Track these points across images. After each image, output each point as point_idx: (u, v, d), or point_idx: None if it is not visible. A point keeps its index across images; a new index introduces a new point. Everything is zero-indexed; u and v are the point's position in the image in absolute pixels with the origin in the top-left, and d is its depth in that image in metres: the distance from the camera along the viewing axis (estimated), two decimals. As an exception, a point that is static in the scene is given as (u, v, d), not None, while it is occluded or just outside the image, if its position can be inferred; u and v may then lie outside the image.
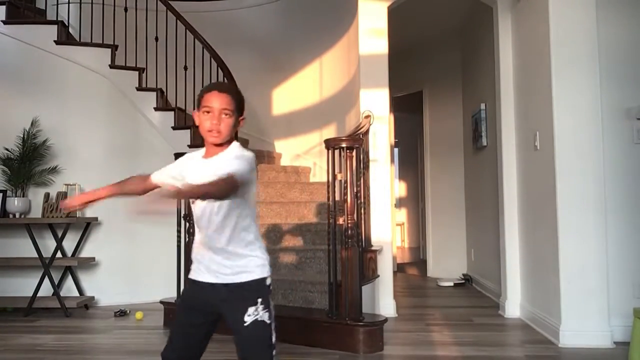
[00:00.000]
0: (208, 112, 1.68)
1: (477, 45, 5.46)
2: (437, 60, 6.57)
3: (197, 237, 1.77)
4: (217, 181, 1.54)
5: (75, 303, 4.34)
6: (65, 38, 5.01)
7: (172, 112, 4.93)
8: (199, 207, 1.70)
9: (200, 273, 1.74)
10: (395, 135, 7.85)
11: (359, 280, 3.21)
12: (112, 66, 4.89)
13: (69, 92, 4.84)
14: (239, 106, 1.73)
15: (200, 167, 1.72)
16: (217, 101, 1.67)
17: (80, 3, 5.29)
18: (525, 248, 3.93)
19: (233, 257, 1.69)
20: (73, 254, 4.66)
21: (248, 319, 1.65)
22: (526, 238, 3.91)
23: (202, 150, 1.78)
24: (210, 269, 1.71)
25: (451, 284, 5.71)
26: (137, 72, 4.93)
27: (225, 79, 4.77)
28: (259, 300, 1.67)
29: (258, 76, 6.04)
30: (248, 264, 1.70)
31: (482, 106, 5.12)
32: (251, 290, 1.68)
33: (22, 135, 4.57)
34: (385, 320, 3.28)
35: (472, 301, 4.89)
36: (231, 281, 1.69)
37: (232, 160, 1.66)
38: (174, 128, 4.88)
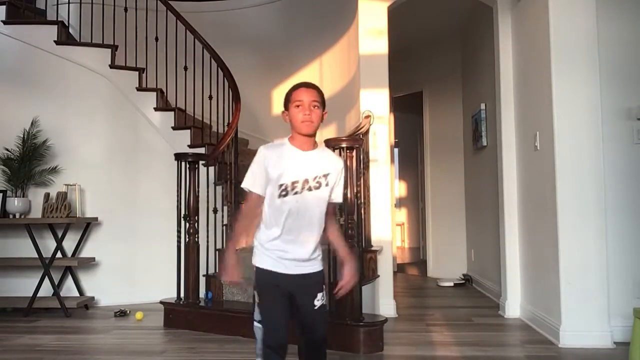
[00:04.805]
0: (299, 105, 1.89)
1: (477, 45, 5.46)
2: (437, 60, 6.57)
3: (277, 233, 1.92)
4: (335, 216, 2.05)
5: (75, 303, 4.34)
6: (65, 38, 5.01)
7: (172, 112, 4.93)
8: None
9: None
10: (395, 135, 7.85)
11: (359, 280, 3.21)
12: (112, 66, 4.89)
13: (69, 92, 4.84)
14: (323, 100, 1.95)
15: (304, 161, 1.91)
16: (306, 95, 1.90)
17: (80, 3, 5.29)
18: (526, 248, 3.93)
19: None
20: (73, 254, 4.66)
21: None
22: (526, 238, 3.91)
23: (286, 142, 1.94)
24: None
25: (451, 284, 5.71)
26: (137, 72, 4.93)
27: (225, 79, 4.77)
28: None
29: (258, 76, 6.04)
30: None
31: (482, 106, 5.12)
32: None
33: (22, 135, 4.57)
34: (385, 320, 3.28)
35: (472, 301, 4.88)
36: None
37: (343, 178, 2.00)
38: (174, 128, 4.88)
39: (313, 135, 1.93)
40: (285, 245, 1.90)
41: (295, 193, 1.88)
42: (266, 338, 1.89)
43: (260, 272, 1.94)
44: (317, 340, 1.97)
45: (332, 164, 1.96)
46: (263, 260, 1.93)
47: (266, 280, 1.93)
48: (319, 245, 1.96)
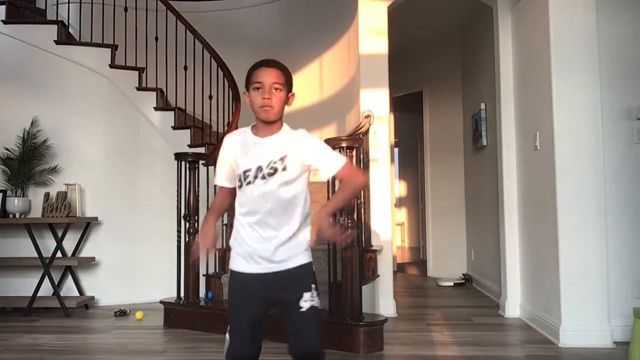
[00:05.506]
0: (259, 88, 1.70)
1: (477, 45, 5.46)
2: (437, 60, 6.57)
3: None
4: (354, 176, 1.79)
5: (75, 303, 4.34)
6: (65, 38, 5.01)
7: (172, 112, 4.93)
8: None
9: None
10: (395, 135, 7.85)
11: (359, 280, 3.21)
12: (112, 66, 4.89)
13: (69, 92, 4.84)
14: (288, 81, 1.74)
15: (258, 148, 1.72)
16: (266, 76, 1.69)
17: (80, 3, 5.30)
18: (526, 248, 3.93)
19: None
20: (73, 254, 4.66)
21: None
22: (526, 238, 3.91)
23: (248, 130, 1.77)
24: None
25: (451, 283, 5.71)
26: (137, 72, 4.93)
27: (225, 79, 4.77)
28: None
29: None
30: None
31: (482, 106, 5.12)
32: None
33: (22, 135, 4.57)
34: (385, 320, 3.28)
35: (472, 301, 4.89)
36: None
37: (319, 146, 1.75)
38: (174, 128, 4.88)
39: (274, 121, 1.73)
40: (252, 241, 1.73)
41: (249, 183, 1.71)
42: (229, 348, 1.73)
43: (232, 275, 1.79)
44: (307, 354, 1.73)
45: (289, 143, 1.72)
46: (235, 261, 1.77)
47: (237, 284, 1.77)
48: (300, 238, 1.75)
